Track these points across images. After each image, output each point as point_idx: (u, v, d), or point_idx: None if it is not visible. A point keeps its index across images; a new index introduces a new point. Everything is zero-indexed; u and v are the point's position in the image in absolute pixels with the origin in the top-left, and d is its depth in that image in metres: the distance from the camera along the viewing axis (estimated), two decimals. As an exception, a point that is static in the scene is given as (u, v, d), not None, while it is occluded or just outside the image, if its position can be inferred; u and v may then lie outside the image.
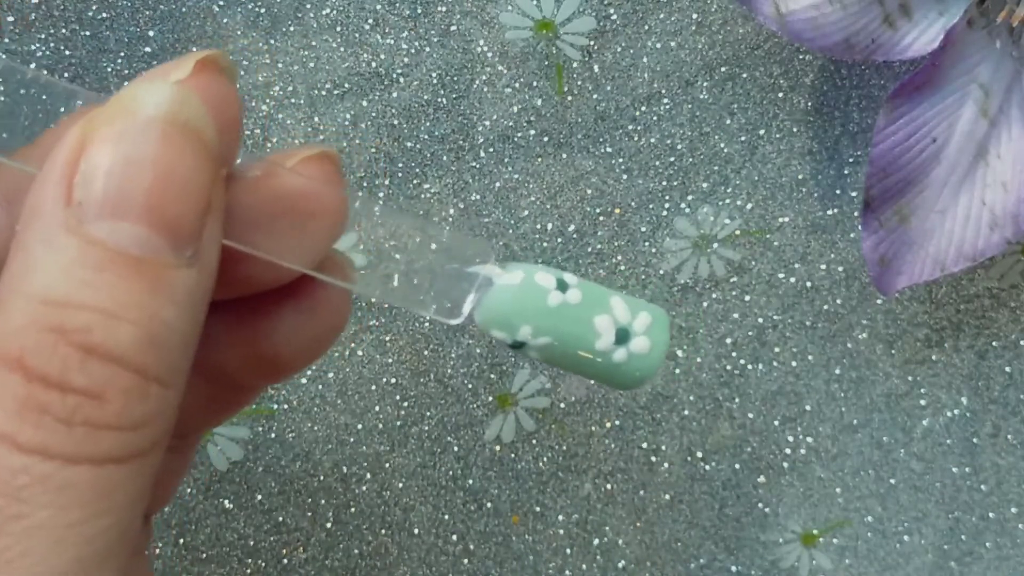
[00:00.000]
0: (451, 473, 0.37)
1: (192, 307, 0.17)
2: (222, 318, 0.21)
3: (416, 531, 0.37)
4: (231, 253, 0.19)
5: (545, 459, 0.37)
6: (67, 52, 0.34)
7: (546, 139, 0.36)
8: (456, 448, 0.37)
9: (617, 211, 0.36)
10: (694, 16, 0.35)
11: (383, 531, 0.37)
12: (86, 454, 0.16)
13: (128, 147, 0.17)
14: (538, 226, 0.36)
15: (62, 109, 0.19)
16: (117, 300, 0.16)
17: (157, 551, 0.36)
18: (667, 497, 0.38)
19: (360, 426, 0.36)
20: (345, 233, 0.21)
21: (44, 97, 0.19)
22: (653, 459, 0.37)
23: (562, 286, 0.21)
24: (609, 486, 0.37)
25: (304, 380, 0.36)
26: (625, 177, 0.36)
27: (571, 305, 0.21)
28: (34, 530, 0.16)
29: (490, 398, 0.36)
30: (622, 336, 0.21)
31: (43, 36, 0.34)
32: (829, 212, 0.37)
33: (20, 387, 0.16)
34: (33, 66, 0.33)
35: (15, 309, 0.16)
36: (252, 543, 0.36)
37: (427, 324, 0.36)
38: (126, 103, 0.17)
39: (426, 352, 0.36)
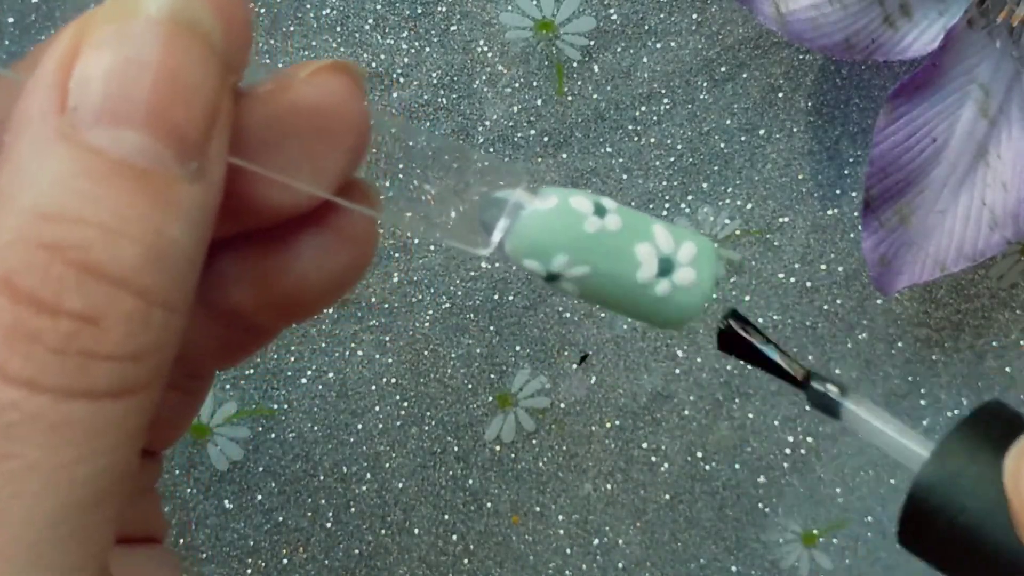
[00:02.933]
0: (451, 473, 0.37)
1: (199, 226, 0.16)
2: (235, 254, 0.20)
3: (416, 531, 0.37)
4: (240, 176, 0.18)
5: (545, 459, 0.37)
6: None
7: (546, 139, 0.36)
8: (456, 448, 0.37)
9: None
10: (694, 16, 0.35)
11: (383, 531, 0.37)
12: (81, 387, 0.15)
13: (128, 48, 0.15)
14: (538, 226, 0.36)
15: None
16: (119, 214, 0.15)
17: (157, 551, 0.36)
18: (667, 497, 0.38)
19: (360, 426, 0.36)
20: (367, 156, 0.19)
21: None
22: (653, 459, 0.37)
23: (600, 211, 0.19)
24: (609, 486, 0.37)
25: (304, 380, 0.36)
26: (625, 177, 0.36)
27: (610, 232, 0.19)
28: (24, 471, 0.15)
29: (490, 398, 0.36)
30: (665, 266, 0.19)
31: (43, 36, 0.34)
32: (829, 212, 0.37)
33: (7, 311, 0.15)
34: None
35: (2, 225, 0.15)
36: (252, 543, 0.36)
37: (427, 324, 0.36)
38: (125, 2, 0.16)
39: (426, 352, 0.36)
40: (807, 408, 0.20)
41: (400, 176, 0.19)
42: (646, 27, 0.35)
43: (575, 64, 0.35)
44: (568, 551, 0.37)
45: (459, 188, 0.19)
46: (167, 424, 0.22)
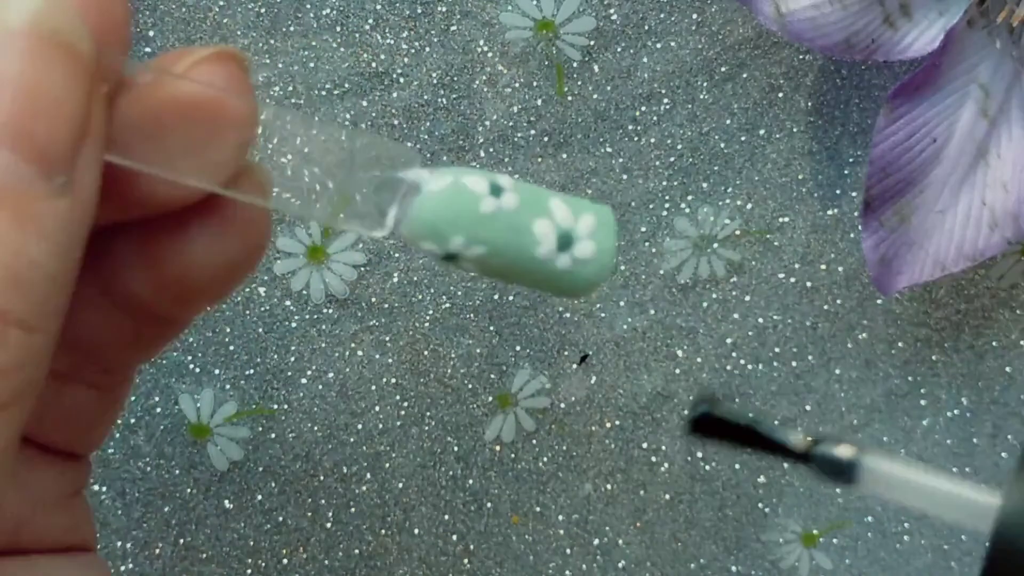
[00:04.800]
0: (451, 473, 0.37)
1: (65, 242, 0.15)
2: (127, 240, 0.19)
3: (416, 531, 0.37)
4: (123, 171, 0.17)
5: (545, 459, 0.37)
6: None
7: (546, 139, 0.36)
8: (456, 448, 0.37)
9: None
10: (694, 16, 0.35)
11: (383, 531, 0.37)
12: None
13: None
14: (538, 226, 0.36)
15: None
16: None
17: (157, 551, 0.36)
18: (667, 497, 0.38)
19: (360, 426, 0.36)
20: (255, 145, 0.18)
21: None
22: (653, 459, 0.37)
23: (496, 191, 0.19)
24: (609, 486, 0.37)
25: (304, 380, 0.36)
26: (625, 177, 0.36)
27: (507, 211, 0.19)
28: None
29: (490, 398, 0.36)
30: (564, 241, 0.19)
31: None
32: (829, 212, 0.37)
33: None
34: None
35: None
36: (252, 543, 0.36)
37: (427, 324, 0.36)
38: None
39: (426, 352, 0.36)
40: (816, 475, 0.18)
41: (289, 162, 0.19)
42: (646, 27, 0.35)
43: (575, 64, 0.35)
44: (568, 551, 0.37)
45: (351, 171, 0.19)
46: (87, 424, 0.21)
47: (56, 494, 0.21)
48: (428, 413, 0.36)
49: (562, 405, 0.37)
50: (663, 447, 0.37)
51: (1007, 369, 0.38)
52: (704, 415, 0.19)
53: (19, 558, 0.20)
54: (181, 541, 0.36)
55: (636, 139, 0.36)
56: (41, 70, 0.15)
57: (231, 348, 0.35)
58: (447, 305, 0.36)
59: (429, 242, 0.19)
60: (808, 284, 0.37)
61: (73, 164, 0.15)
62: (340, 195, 0.19)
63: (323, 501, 0.36)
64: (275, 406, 0.36)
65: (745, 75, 0.36)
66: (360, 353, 0.36)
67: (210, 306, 0.20)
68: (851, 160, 0.37)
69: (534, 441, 0.37)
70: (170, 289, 0.19)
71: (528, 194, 0.19)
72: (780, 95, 0.36)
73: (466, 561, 0.37)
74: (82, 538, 0.22)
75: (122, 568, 0.35)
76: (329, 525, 0.36)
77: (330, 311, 0.36)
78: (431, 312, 0.36)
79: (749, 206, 0.36)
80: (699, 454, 0.38)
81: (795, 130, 0.36)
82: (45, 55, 0.15)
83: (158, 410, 0.35)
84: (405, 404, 0.36)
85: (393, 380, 0.36)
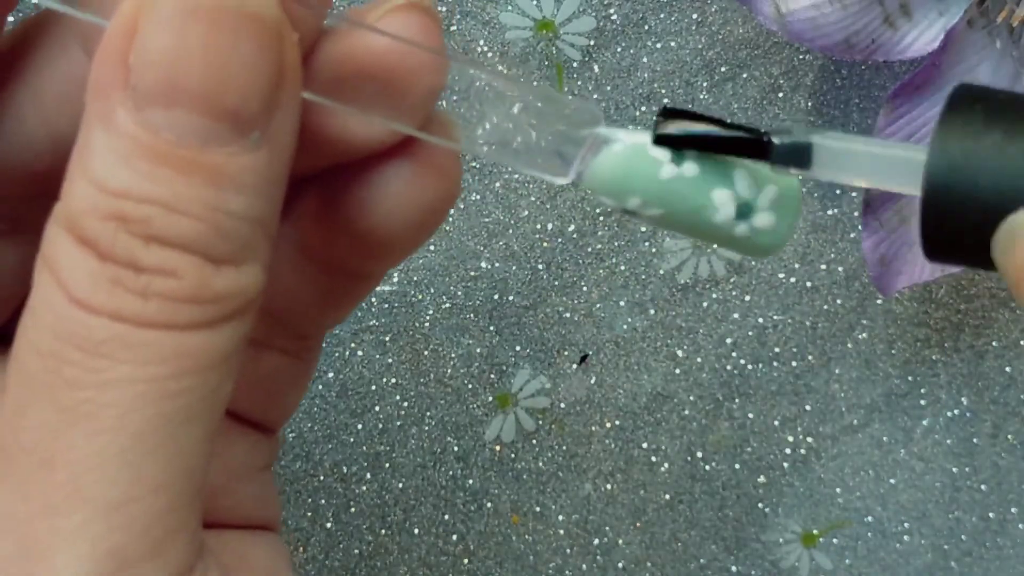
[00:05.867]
0: (451, 473, 0.37)
1: (266, 187, 0.17)
2: (321, 194, 0.20)
3: (416, 531, 0.37)
4: (318, 113, 0.18)
5: (545, 459, 0.37)
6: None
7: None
8: (456, 448, 0.37)
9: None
10: (694, 16, 0.35)
11: (383, 531, 0.37)
12: (163, 320, 0.16)
13: (175, 36, 0.16)
14: (538, 226, 0.36)
15: None
16: (177, 194, 0.16)
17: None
18: (667, 497, 0.38)
19: (360, 426, 0.36)
20: (444, 94, 0.19)
21: None
22: (653, 459, 0.37)
23: (678, 158, 0.19)
24: (609, 486, 0.37)
25: (304, 380, 0.36)
26: (625, 177, 0.36)
27: (686, 178, 0.19)
28: (114, 384, 0.16)
29: (490, 398, 0.36)
30: (744, 211, 0.19)
31: None
32: (829, 212, 0.37)
33: (93, 262, 0.16)
34: None
35: (79, 190, 0.16)
36: (252, 543, 0.36)
37: (427, 324, 0.36)
38: None
39: (426, 352, 0.36)
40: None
41: (478, 111, 0.19)
42: (646, 27, 0.35)
43: (575, 64, 0.35)
44: (568, 551, 0.37)
45: (539, 124, 0.19)
46: (280, 394, 0.22)
47: (248, 467, 0.22)
48: (428, 413, 0.36)
49: (562, 405, 0.37)
50: (663, 447, 0.37)
51: (1007, 369, 0.38)
52: (667, 113, 0.19)
53: (213, 531, 0.20)
54: (181, 541, 0.36)
55: (636, 139, 0.36)
56: (227, 42, 0.16)
57: (231, 348, 0.35)
58: (447, 305, 0.36)
59: (608, 197, 0.19)
60: (808, 284, 0.37)
61: (267, 120, 0.16)
62: (525, 141, 0.19)
63: (323, 501, 0.36)
64: (275, 406, 0.36)
65: (745, 75, 0.36)
66: (360, 353, 0.36)
67: (400, 260, 0.22)
68: (851, 160, 0.37)
69: (534, 441, 0.37)
70: (364, 241, 0.20)
71: (711, 163, 0.19)
72: (780, 95, 0.36)
73: (466, 561, 0.37)
74: (270, 515, 0.22)
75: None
76: (329, 525, 0.36)
77: (330, 311, 0.36)
78: (431, 312, 0.36)
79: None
80: (699, 454, 0.38)
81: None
82: (230, 26, 0.16)
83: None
84: (405, 404, 0.36)
85: (393, 380, 0.36)
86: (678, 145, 0.19)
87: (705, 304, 0.37)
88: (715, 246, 0.19)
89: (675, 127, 0.19)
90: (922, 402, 0.38)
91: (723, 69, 0.36)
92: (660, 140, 0.19)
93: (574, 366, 0.37)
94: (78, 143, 0.16)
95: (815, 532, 0.38)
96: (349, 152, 0.19)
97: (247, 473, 0.22)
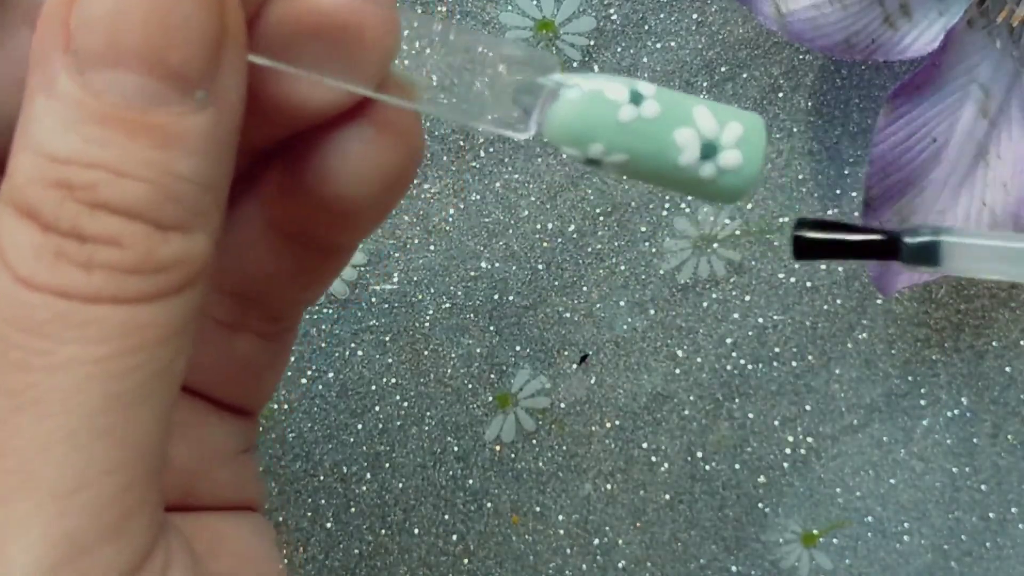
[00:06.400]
0: (451, 473, 0.37)
1: (214, 149, 0.16)
2: (283, 166, 0.20)
3: (416, 531, 0.37)
4: (270, 77, 0.18)
5: (545, 459, 0.37)
6: None
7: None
8: (456, 448, 0.37)
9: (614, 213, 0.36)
10: (694, 16, 0.35)
11: (383, 531, 0.37)
12: (108, 294, 0.16)
13: None
14: (538, 226, 0.36)
15: None
16: (123, 157, 0.15)
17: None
18: (667, 497, 0.38)
19: (360, 426, 0.36)
20: (399, 52, 0.18)
21: None
22: (653, 459, 0.37)
23: (636, 98, 0.19)
24: (609, 486, 0.37)
25: (304, 380, 0.36)
26: (625, 176, 0.36)
27: (647, 119, 0.19)
28: (60, 366, 0.15)
29: (490, 398, 0.36)
30: (708, 150, 0.19)
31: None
32: (829, 212, 0.37)
33: (36, 234, 0.15)
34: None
35: (23, 160, 0.16)
36: (252, 543, 0.36)
37: (427, 324, 0.36)
38: None
39: (426, 352, 0.36)
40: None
41: (433, 66, 0.19)
42: (646, 27, 0.35)
43: (575, 64, 0.35)
44: (568, 551, 0.37)
45: (492, 76, 0.19)
46: (255, 377, 0.22)
47: (226, 450, 0.22)
48: (428, 413, 0.36)
49: (562, 405, 0.37)
50: (663, 447, 0.37)
51: (1007, 369, 0.38)
52: (802, 224, 0.19)
53: (190, 514, 0.20)
54: (181, 541, 0.36)
55: (636, 139, 0.36)
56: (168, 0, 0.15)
57: (231, 348, 0.35)
58: (447, 305, 0.36)
59: (570, 147, 0.19)
60: (808, 284, 0.37)
61: (211, 77, 0.16)
62: (482, 97, 0.19)
63: (323, 501, 0.36)
64: (275, 406, 0.36)
65: (745, 75, 0.36)
66: (360, 353, 0.36)
67: (370, 229, 0.21)
68: (851, 160, 0.37)
69: (534, 441, 0.37)
70: (331, 210, 0.19)
71: (671, 102, 0.19)
72: (780, 95, 0.36)
73: (466, 561, 0.37)
74: (250, 497, 0.22)
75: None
76: (329, 525, 0.36)
77: (330, 311, 0.36)
78: (431, 312, 0.36)
79: (749, 206, 0.36)
80: (699, 454, 0.38)
81: (795, 130, 0.36)
82: None
83: (158, 410, 0.35)
84: (405, 404, 0.36)
85: (393, 380, 0.36)
86: (816, 254, 0.19)
87: (705, 304, 0.37)
88: (685, 195, 0.19)
89: (812, 233, 0.19)
90: (922, 402, 0.38)
91: (723, 69, 0.36)
92: (799, 249, 0.19)
93: (574, 366, 0.37)
94: (21, 117, 0.16)
95: (815, 532, 0.38)
96: (305, 118, 0.19)
97: (225, 457, 0.22)
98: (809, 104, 0.36)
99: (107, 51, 0.15)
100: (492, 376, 0.36)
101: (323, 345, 0.36)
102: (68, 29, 0.15)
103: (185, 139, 0.16)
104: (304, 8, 0.17)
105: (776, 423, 0.38)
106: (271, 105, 0.18)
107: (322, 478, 0.36)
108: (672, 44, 0.35)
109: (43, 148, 0.15)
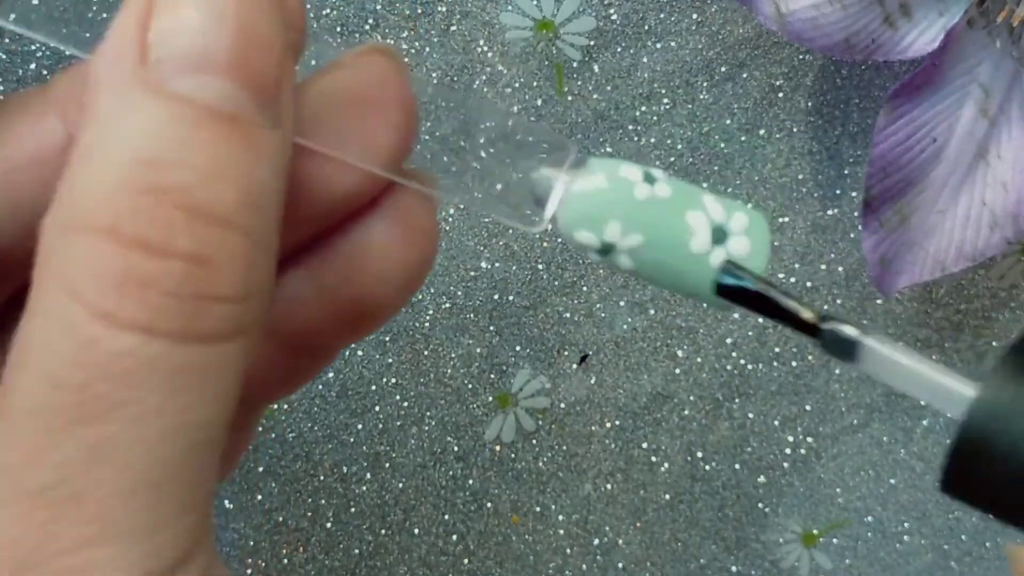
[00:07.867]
0: (451, 473, 0.37)
1: (280, 172, 0.16)
2: (302, 270, 0.19)
3: (416, 531, 0.37)
4: (300, 166, 0.18)
5: (545, 459, 0.37)
6: (67, 52, 0.34)
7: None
8: (456, 448, 0.37)
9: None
10: (694, 16, 0.35)
11: (383, 531, 0.37)
12: (196, 331, 0.15)
13: (200, 6, 0.16)
14: (538, 226, 0.36)
15: None
16: (215, 157, 0.15)
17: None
18: (667, 497, 0.38)
19: (360, 426, 0.36)
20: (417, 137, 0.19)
21: None
22: (653, 459, 0.37)
23: (649, 179, 0.19)
24: (609, 486, 0.37)
25: (304, 380, 0.36)
26: (625, 177, 0.36)
27: (660, 199, 0.19)
28: (144, 417, 0.15)
29: (490, 398, 0.36)
30: (719, 235, 0.19)
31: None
32: (829, 212, 0.37)
33: (117, 258, 0.15)
34: (33, 66, 0.33)
35: (101, 175, 0.15)
36: (252, 543, 0.36)
37: (427, 324, 0.36)
38: None
39: (426, 352, 0.36)
40: (822, 350, 0.19)
41: (450, 154, 0.19)
42: (646, 27, 0.35)
43: (575, 64, 0.35)
44: (568, 551, 0.37)
45: (506, 162, 0.19)
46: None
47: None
48: (428, 413, 0.36)
49: (562, 405, 0.37)
50: (663, 447, 0.37)
51: (1007, 369, 0.38)
52: (726, 279, 0.19)
53: None
54: (181, 541, 0.36)
55: (636, 139, 0.36)
56: (254, 8, 0.16)
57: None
58: (447, 305, 0.36)
59: (586, 230, 0.19)
60: (808, 284, 0.37)
61: (280, 99, 0.16)
62: (497, 187, 0.19)
63: (323, 501, 0.36)
64: (275, 406, 0.36)
65: (745, 75, 0.36)
66: (360, 353, 0.36)
67: (372, 331, 0.21)
68: (851, 160, 0.37)
69: (534, 441, 0.37)
70: (347, 312, 0.19)
71: (680, 187, 0.19)
72: (780, 95, 0.36)
73: (466, 561, 0.37)
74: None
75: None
76: (329, 525, 0.36)
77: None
78: (431, 312, 0.36)
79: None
80: (699, 454, 0.38)
81: (795, 130, 0.36)
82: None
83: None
84: (405, 404, 0.36)
85: (393, 380, 0.36)
86: (736, 296, 0.19)
87: (705, 304, 0.37)
88: (691, 297, 0.19)
89: (735, 280, 0.19)
90: (922, 402, 0.38)
91: (723, 69, 0.36)
92: (722, 289, 0.19)
93: (574, 366, 0.37)
94: (81, 144, 0.16)
95: (815, 532, 0.38)
96: (326, 205, 0.19)
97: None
98: (809, 104, 0.36)
99: (196, 58, 0.15)
100: (492, 376, 0.36)
101: (323, 345, 0.36)
102: (143, 46, 0.16)
103: (263, 150, 0.16)
104: (325, 86, 0.18)
105: (776, 423, 0.38)
106: (297, 189, 0.18)
107: (322, 478, 0.36)
108: (672, 44, 0.35)
109: (131, 154, 0.15)
